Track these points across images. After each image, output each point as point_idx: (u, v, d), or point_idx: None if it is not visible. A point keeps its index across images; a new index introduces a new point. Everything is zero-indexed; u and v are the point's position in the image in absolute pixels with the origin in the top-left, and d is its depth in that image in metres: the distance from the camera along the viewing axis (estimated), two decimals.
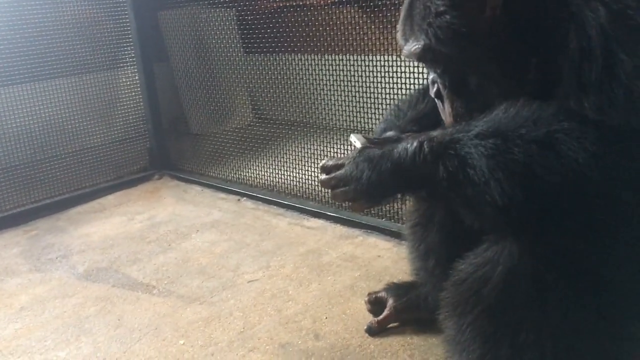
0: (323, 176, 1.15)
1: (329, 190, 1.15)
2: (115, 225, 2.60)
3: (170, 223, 2.58)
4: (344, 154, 2.33)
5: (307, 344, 1.57)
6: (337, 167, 1.12)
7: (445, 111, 1.15)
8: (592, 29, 0.88)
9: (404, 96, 1.94)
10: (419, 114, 1.39)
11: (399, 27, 1.17)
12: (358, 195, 1.09)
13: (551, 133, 0.89)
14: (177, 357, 1.55)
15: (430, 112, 1.36)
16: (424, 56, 1.11)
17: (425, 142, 1.00)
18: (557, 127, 0.89)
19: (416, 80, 2.12)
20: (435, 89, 1.16)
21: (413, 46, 1.10)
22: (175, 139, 3.50)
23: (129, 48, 3.21)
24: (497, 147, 0.91)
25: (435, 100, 1.18)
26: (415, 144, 1.01)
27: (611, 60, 0.87)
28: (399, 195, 1.11)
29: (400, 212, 2.21)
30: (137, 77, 3.25)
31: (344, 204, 2.28)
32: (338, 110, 2.55)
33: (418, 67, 2.08)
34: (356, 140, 1.15)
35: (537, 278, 1.00)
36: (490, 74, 1.07)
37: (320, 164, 1.16)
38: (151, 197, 2.99)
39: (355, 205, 1.13)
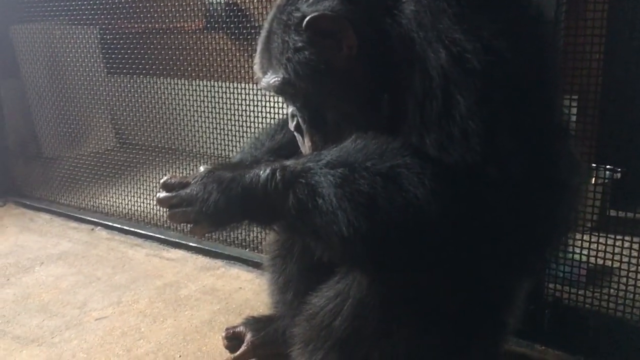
0: (163, 194, 1.06)
1: (166, 210, 1.06)
2: None
3: (11, 255, 2.32)
4: None
5: None
6: (182, 185, 1.05)
7: (305, 145, 1.14)
8: (434, 70, 0.91)
9: (266, 126, 1.93)
10: (277, 145, 1.38)
11: (256, 59, 1.16)
12: (201, 218, 1.02)
13: (394, 167, 0.91)
14: None
15: (287, 144, 1.35)
16: (283, 89, 1.11)
17: (278, 170, 0.97)
18: (400, 162, 0.91)
19: (281, 110, 2.12)
20: (294, 123, 1.15)
21: (271, 79, 1.09)
22: (23, 162, 3.20)
23: None
24: (345, 177, 0.91)
25: (295, 133, 1.16)
26: (268, 171, 0.98)
27: (449, 101, 0.90)
28: (246, 222, 1.06)
29: (263, 242, 2.16)
30: None
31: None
32: (203, 136, 2.48)
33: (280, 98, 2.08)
34: None
35: (385, 309, 1.01)
36: (347, 110, 1.08)
37: (162, 180, 1.07)
38: None
39: (197, 228, 1.06)
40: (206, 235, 2.31)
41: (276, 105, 2.13)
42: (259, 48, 1.14)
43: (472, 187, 0.90)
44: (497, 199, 0.91)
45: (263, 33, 1.13)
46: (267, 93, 1.14)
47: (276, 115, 2.13)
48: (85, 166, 2.93)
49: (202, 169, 1.08)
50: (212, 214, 1.01)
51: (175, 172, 2.58)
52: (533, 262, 1.06)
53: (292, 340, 1.15)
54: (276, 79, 1.08)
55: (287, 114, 1.19)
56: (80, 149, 3.15)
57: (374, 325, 1.02)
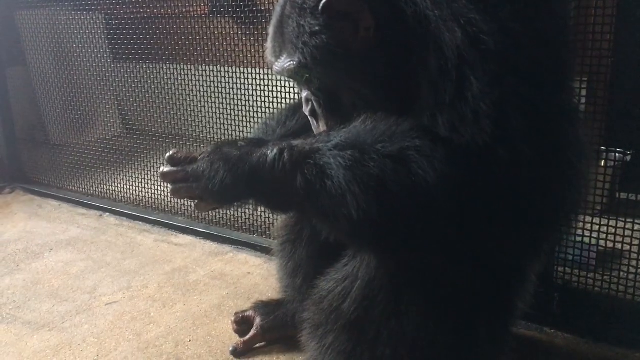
0: (168, 168, 1.05)
1: (169, 184, 1.06)
2: None
3: (20, 241, 2.34)
4: None
5: None
6: (188, 160, 1.04)
7: (320, 129, 1.13)
8: (449, 50, 0.90)
9: (274, 111, 1.92)
10: (289, 132, 1.37)
11: (269, 43, 1.14)
12: (207, 195, 1.02)
13: (404, 150, 0.90)
14: None
15: (299, 130, 1.33)
16: (298, 74, 1.09)
17: (286, 150, 0.97)
18: (409, 144, 0.90)
19: (288, 95, 2.11)
20: (309, 107, 1.13)
21: (286, 63, 1.08)
22: (30, 149, 3.21)
23: None
24: (355, 160, 0.91)
25: (309, 118, 1.15)
26: (275, 150, 0.97)
27: (463, 82, 0.89)
28: (252, 202, 1.06)
29: (271, 227, 2.16)
30: None
31: (208, 214, 2.21)
32: (210, 122, 2.48)
33: (290, 82, 2.07)
34: None
35: (394, 290, 1.01)
36: (364, 92, 1.07)
37: (167, 154, 1.06)
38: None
39: (201, 204, 1.06)
40: (214, 220, 2.35)
41: (283, 89, 2.12)
42: (271, 32, 1.12)
43: (483, 168, 0.89)
44: (507, 180, 0.90)
45: (275, 17, 1.11)
46: (279, 77, 1.12)
47: (283, 100, 2.13)
48: (92, 153, 2.93)
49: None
50: (218, 191, 1.01)
51: None
52: (542, 244, 1.05)
53: (302, 325, 1.15)
54: (291, 63, 1.06)
55: (300, 98, 1.17)
56: (87, 135, 3.16)
57: (383, 306, 1.02)
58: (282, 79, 2.06)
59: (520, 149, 0.89)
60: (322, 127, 1.12)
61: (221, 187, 1.00)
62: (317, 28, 1.01)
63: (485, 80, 0.88)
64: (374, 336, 1.02)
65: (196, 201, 1.07)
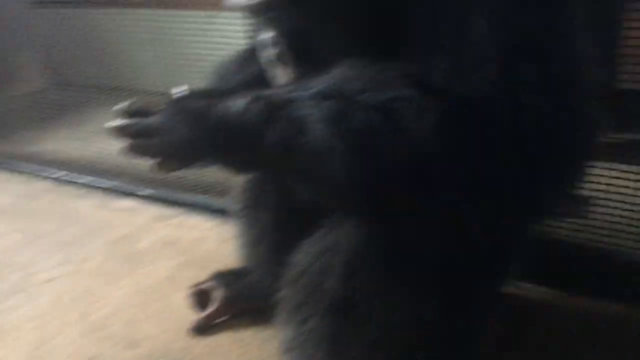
0: (119, 121, 0.88)
1: (121, 140, 0.90)
2: None
3: None
4: None
5: (120, 355, 1.32)
6: (143, 113, 0.89)
7: (288, 77, 0.99)
8: None
9: (227, 55, 1.75)
10: (249, 77, 1.21)
11: None
12: (165, 152, 0.88)
13: (393, 100, 0.78)
14: None
15: (262, 75, 1.19)
16: (263, 11, 0.95)
17: (257, 100, 0.83)
18: (399, 94, 0.78)
19: (236, 40, 1.92)
20: (276, 51, 0.98)
21: None
22: None
23: None
24: (338, 111, 0.78)
25: (273, 63, 1.00)
26: (244, 100, 0.83)
27: (465, 21, 0.78)
28: (217, 162, 0.91)
29: (226, 187, 2.01)
30: None
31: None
32: (151, 71, 2.26)
33: (243, 24, 1.88)
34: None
35: (381, 265, 0.91)
36: (342, 34, 0.95)
37: (117, 107, 0.90)
38: None
39: (161, 165, 0.91)
40: (159, 181, 2.16)
41: (230, 33, 1.92)
42: None
43: (484, 121, 0.78)
44: (511, 135, 0.79)
45: None
46: (234, 16, 0.98)
47: (230, 45, 1.93)
48: (15, 110, 2.67)
49: (174, 91, 0.92)
50: (178, 149, 0.87)
51: None
52: (547, 203, 0.96)
53: (276, 306, 1.03)
54: None
55: (259, 40, 1.02)
56: (7, 90, 2.87)
57: (372, 283, 0.91)
58: (234, 20, 1.87)
59: (529, 100, 0.78)
60: (291, 74, 0.98)
61: (181, 144, 0.86)
62: None
63: (492, 19, 0.76)
64: (363, 316, 0.92)
65: (154, 161, 0.90)
